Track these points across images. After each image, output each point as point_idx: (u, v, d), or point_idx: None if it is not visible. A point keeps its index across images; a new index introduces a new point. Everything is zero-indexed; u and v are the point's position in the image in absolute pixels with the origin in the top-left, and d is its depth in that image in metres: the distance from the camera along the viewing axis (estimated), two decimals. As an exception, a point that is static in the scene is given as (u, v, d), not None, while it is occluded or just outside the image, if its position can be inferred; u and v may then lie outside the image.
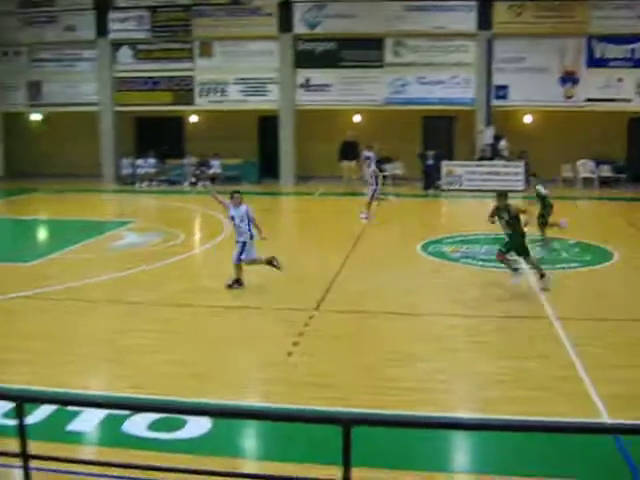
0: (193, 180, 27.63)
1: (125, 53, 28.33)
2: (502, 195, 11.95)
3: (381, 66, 26.53)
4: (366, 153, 25.42)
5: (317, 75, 26.95)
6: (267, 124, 28.55)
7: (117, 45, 28.31)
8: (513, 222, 11.64)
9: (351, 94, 26.85)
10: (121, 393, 7.59)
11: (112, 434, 6.67)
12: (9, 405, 6.79)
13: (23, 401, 4.71)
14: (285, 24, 26.58)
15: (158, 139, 29.43)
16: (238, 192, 12.23)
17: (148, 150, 28.14)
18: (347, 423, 4.03)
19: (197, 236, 18.16)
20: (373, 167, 20.37)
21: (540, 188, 15.28)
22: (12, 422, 6.57)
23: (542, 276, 11.77)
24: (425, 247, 15.28)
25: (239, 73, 27.42)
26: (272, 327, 10.15)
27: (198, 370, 8.35)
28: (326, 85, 26.91)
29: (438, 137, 27.60)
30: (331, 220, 20.13)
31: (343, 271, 13.26)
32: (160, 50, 28.06)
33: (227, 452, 6.42)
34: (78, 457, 6.10)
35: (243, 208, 11.94)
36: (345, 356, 8.82)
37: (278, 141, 27.43)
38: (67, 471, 5.70)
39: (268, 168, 28.12)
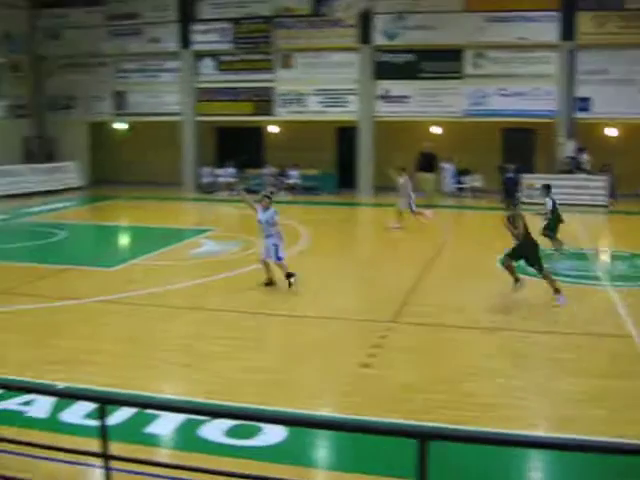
0: (272, 190, 27.84)
1: (207, 64, 28.89)
2: (510, 204, 12.23)
3: (460, 77, 26.29)
4: (445, 165, 25.25)
5: (396, 86, 26.88)
6: (345, 135, 28.64)
7: (200, 56, 28.91)
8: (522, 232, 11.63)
9: (430, 105, 26.68)
10: (197, 398, 7.67)
11: (189, 439, 6.76)
12: (91, 406, 6.99)
13: (105, 403, 4.81)
14: (365, 35, 26.64)
15: (238, 149, 29.91)
16: (268, 196, 12.86)
17: (228, 159, 28.60)
18: (423, 437, 3.99)
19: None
20: (405, 178, 20.24)
21: (547, 200, 15.18)
22: (93, 422, 6.79)
23: (556, 291, 11.59)
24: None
25: (319, 84, 27.59)
26: (348, 338, 10.15)
27: (273, 378, 8.40)
28: (405, 96, 26.82)
29: (518, 150, 27.12)
30: (409, 231, 19.99)
31: (421, 283, 13.16)
32: (241, 61, 28.49)
33: (301, 461, 6.44)
34: (156, 460, 6.20)
35: (270, 212, 12.54)
36: (421, 369, 8.75)
37: (356, 152, 27.47)
38: (145, 473, 5.82)
39: (346, 179, 28.19)
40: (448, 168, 26.58)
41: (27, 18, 30.79)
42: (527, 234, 11.65)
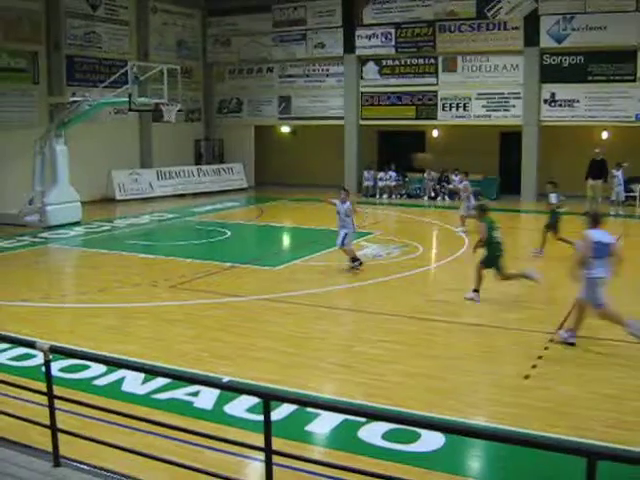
0: (432, 194, 27.77)
1: (370, 69, 29.12)
2: (482, 210, 12.55)
3: (633, 80, 25.01)
4: (614, 172, 24.07)
5: (563, 90, 25.98)
6: (509, 139, 28.02)
7: (363, 61, 29.19)
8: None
9: (599, 110, 25.57)
10: (356, 400, 7.73)
11: (348, 439, 6.81)
12: (253, 400, 7.21)
13: (269, 399, 4.93)
14: (530, 38, 25.91)
15: (400, 153, 30.01)
16: (345, 189, 14.96)
17: (389, 163, 28.71)
18: (592, 456, 3.83)
19: (436, 250, 18.17)
20: (465, 182, 19.98)
21: (552, 196, 15.74)
22: (254, 417, 7.01)
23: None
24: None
25: (482, 88, 27.14)
26: (510, 348, 9.92)
27: (431, 384, 8.34)
28: (572, 100, 25.87)
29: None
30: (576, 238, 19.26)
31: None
32: (404, 65, 28.52)
33: (459, 470, 6.36)
34: (316, 458, 6.31)
35: (348, 204, 14.31)
36: (585, 384, 8.37)
37: (520, 157, 26.79)
38: (305, 470, 5.94)
39: (508, 184, 27.58)
40: (617, 175, 25.34)
41: (200, 26, 32.36)
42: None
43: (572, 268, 9.61)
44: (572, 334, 9.70)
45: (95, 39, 27.34)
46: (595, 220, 9.81)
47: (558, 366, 9.00)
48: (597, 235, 9.48)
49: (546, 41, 25.75)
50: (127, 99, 20.50)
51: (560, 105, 26.07)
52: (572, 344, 9.63)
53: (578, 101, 25.68)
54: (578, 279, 9.56)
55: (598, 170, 23.48)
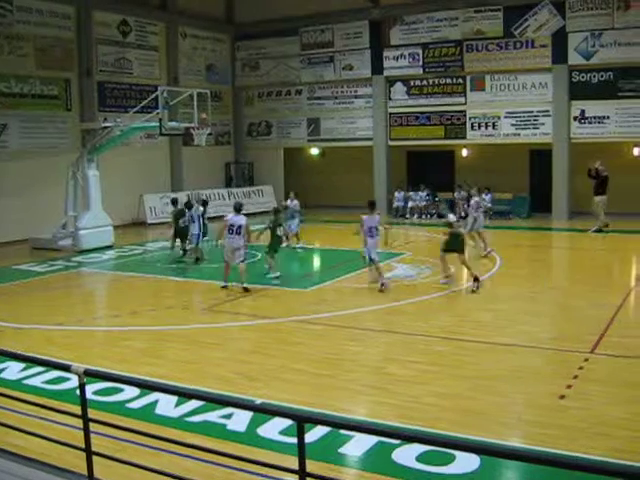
0: (463, 214, 27.58)
1: (399, 89, 29.18)
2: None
3: (665, 95, 24.80)
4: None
5: (593, 107, 25.79)
6: (538, 157, 27.86)
7: (391, 82, 29.26)
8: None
9: (630, 126, 25.35)
10: (388, 421, 7.67)
11: (382, 462, 6.76)
12: (286, 422, 7.19)
13: (303, 421, 4.90)
14: (559, 55, 25.80)
15: (429, 172, 29.98)
16: (373, 202, 15.73)
17: (419, 183, 28.67)
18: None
19: (467, 270, 17.99)
20: (475, 199, 19.40)
21: (451, 216, 15.78)
22: (287, 439, 6.99)
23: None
24: None
25: (511, 106, 27.05)
26: (543, 367, 9.80)
27: (464, 405, 8.26)
28: (602, 117, 25.67)
29: None
30: (608, 258, 19.08)
31: (622, 313, 12.49)
32: (432, 85, 28.54)
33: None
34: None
35: (377, 217, 14.98)
36: (623, 404, 8.22)
37: (550, 175, 26.60)
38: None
39: (539, 202, 27.40)
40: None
41: (228, 50, 32.72)
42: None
43: None
44: None
45: (126, 65, 27.76)
46: None
47: (594, 385, 8.87)
48: None
49: (574, 58, 25.62)
50: (157, 124, 20.72)
51: (590, 122, 25.88)
52: None
53: (608, 117, 25.48)
54: None
55: (602, 186, 23.28)
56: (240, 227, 14.83)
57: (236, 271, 15.14)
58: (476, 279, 14.41)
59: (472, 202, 19.32)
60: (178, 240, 19.29)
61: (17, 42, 23.59)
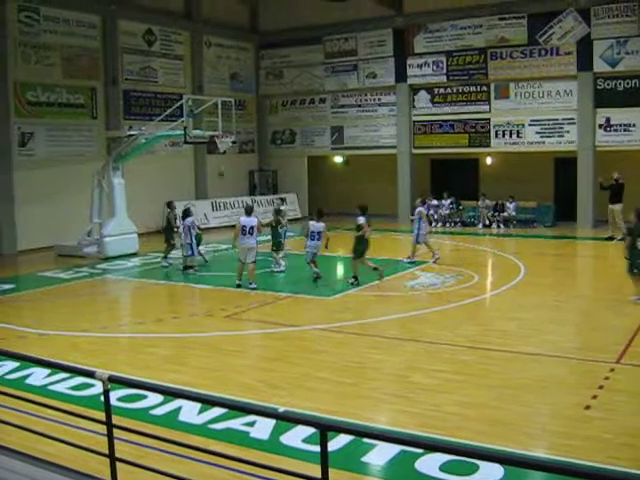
0: (487, 222, 27.50)
1: (422, 97, 29.14)
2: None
3: (694, 103, 24.54)
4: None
5: (618, 114, 25.58)
6: (563, 165, 27.69)
7: (415, 90, 29.23)
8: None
9: (657, 134, 25.13)
10: (411, 430, 7.63)
11: (405, 471, 6.73)
12: (309, 431, 7.19)
13: (326, 429, 4.89)
14: (584, 63, 25.63)
15: (453, 181, 29.89)
16: (321, 211, 17.38)
17: (443, 191, 28.58)
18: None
19: (492, 278, 17.93)
20: (420, 208, 19.51)
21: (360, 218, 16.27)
22: (310, 447, 6.98)
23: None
24: None
25: (535, 114, 26.91)
26: (568, 377, 9.71)
27: (488, 414, 8.20)
28: (628, 125, 25.44)
29: None
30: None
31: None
32: (456, 93, 28.48)
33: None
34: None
35: (321, 224, 16.76)
36: (650, 415, 8.16)
37: (575, 183, 26.40)
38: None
39: (564, 211, 27.20)
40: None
41: (252, 59, 32.89)
42: None
43: None
44: None
45: (151, 74, 27.98)
46: None
47: (620, 396, 8.78)
48: None
49: (600, 65, 25.43)
50: (182, 132, 20.84)
51: (615, 130, 25.67)
52: None
53: (634, 125, 25.25)
54: None
55: (618, 194, 23.14)
56: (252, 228, 15.94)
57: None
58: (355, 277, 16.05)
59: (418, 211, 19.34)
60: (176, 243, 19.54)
61: (44, 52, 23.86)
